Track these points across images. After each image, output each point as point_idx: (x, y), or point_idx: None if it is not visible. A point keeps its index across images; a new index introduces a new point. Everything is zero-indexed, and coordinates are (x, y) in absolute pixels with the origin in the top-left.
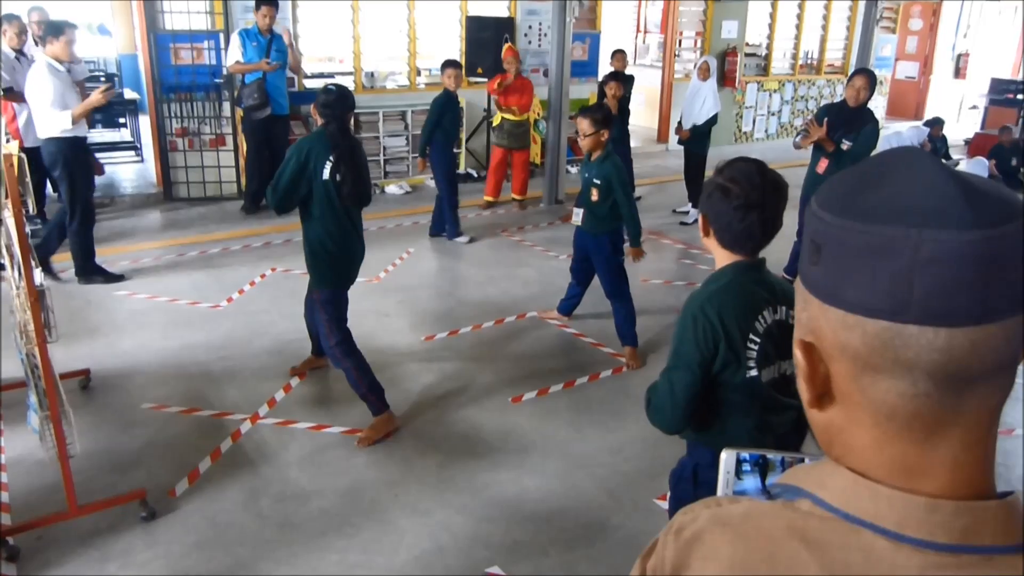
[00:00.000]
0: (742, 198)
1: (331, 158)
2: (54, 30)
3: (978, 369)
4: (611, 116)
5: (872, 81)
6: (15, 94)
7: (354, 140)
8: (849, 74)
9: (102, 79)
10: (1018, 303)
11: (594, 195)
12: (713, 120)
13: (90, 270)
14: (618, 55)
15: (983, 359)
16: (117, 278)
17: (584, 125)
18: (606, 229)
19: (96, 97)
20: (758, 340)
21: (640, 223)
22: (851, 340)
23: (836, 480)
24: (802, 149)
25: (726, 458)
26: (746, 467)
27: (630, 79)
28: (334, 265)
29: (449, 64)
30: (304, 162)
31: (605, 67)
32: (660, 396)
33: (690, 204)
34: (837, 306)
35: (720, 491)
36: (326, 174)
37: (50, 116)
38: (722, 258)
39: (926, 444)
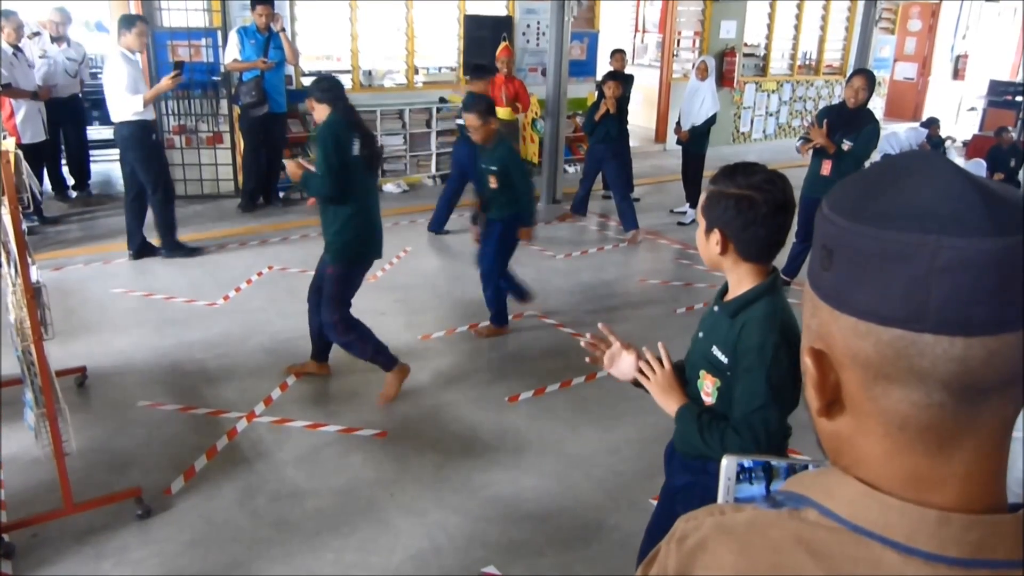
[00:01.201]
0: (771, 203)
1: (356, 134)
2: (127, 23)
3: (994, 379)
4: (493, 105)
5: (871, 81)
6: (13, 90)
7: (359, 116)
8: (848, 75)
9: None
10: None
11: (492, 182)
12: (712, 120)
13: (173, 245)
14: (617, 55)
15: (999, 369)
16: (196, 251)
17: (471, 120)
18: (502, 215)
19: (165, 82)
20: None
21: (535, 204)
22: (863, 348)
23: (844, 490)
24: (804, 155)
25: (727, 465)
26: (751, 474)
27: (629, 79)
28: (359, 240)
29: (488, 71)
30: (341, 143)
31: (604, 66)
32: (745, 443)
33: (688, 204)
34: (849, 313)
35: (721, 498)
36: (356, 150)
37: (124, 100)
38: (745, 273)
39: (939, 456)
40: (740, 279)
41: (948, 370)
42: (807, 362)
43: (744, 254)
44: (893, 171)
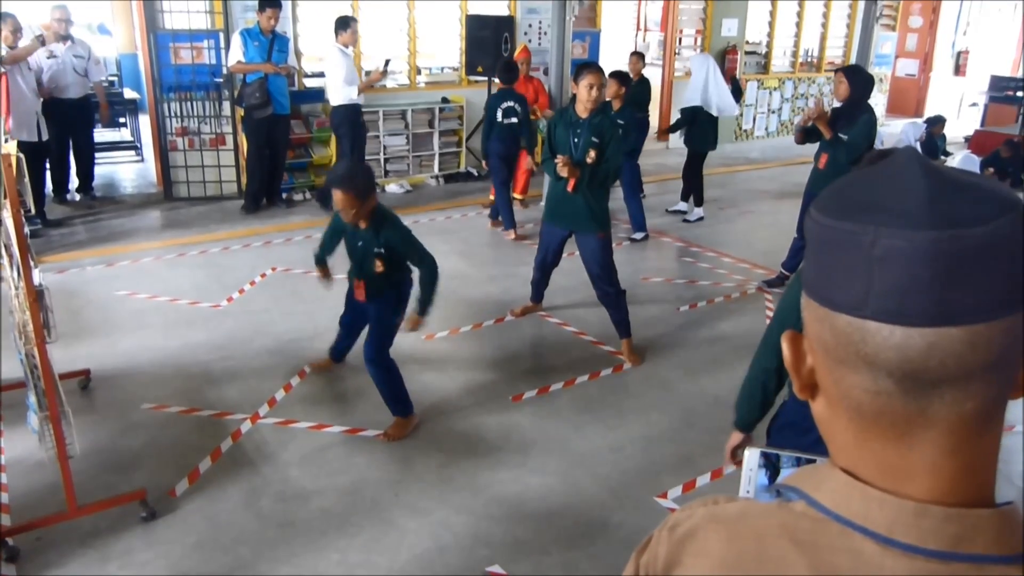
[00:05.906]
0: None
1: None
2: (342, 24)
3: (938, 372)
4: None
5: (850, 74)
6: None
7: None
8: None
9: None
10: (987, 308)
11: (378, 266)
12: (687, 116)
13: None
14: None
15: (943, 362)
16: None
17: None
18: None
19: (375, 75)
20: None
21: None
22: (822, 333)
23: (831, 482)
24: (800, 128)
25: (749, 456)
26: (783, 463)
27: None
28: None
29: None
30: None
31: (605, 66)
32: None
33: (681, 201)
34: (814, 299)
35: (742, 488)
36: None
37: (342, 88)
38: None
39: (900, 444)
40: None
41: (889, 358)
42: (783, 344)
43: None
44: (878, 171)
